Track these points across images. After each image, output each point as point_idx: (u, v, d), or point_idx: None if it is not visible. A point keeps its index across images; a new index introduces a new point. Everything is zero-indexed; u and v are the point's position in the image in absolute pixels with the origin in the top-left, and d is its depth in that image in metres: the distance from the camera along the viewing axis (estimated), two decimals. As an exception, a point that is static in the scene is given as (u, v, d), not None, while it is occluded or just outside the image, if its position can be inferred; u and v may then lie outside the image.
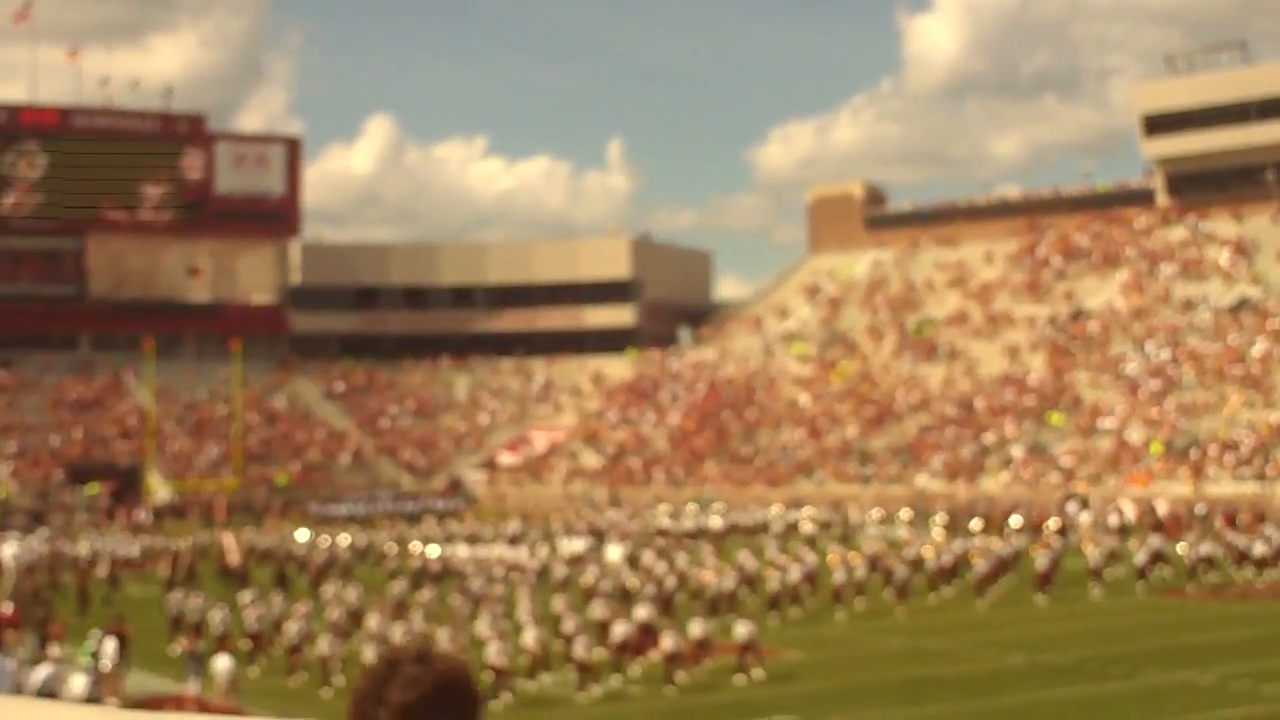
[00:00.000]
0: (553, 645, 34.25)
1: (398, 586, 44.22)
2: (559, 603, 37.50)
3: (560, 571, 49.56)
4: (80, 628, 36.89)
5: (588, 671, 32.16)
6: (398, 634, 34.06)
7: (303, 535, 66.15)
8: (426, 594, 41.71)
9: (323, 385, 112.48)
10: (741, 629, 33.19)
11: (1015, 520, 64.99)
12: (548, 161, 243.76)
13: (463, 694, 4.00)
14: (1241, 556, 51.17)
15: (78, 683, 25.76)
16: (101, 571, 54.32)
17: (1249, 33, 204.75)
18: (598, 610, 37.59)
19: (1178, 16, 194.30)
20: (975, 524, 64.97)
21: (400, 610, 39.59)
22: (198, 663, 32.44)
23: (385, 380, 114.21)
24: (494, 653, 31.63)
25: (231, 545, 60.33)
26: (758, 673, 32.91)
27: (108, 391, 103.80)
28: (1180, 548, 50.17)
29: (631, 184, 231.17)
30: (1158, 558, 49.60)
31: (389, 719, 3.90)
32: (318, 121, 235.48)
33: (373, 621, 36.22)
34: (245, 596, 40.15)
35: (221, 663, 31.66)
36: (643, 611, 36.22)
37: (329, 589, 43.59)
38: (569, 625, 34.76)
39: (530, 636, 33.39)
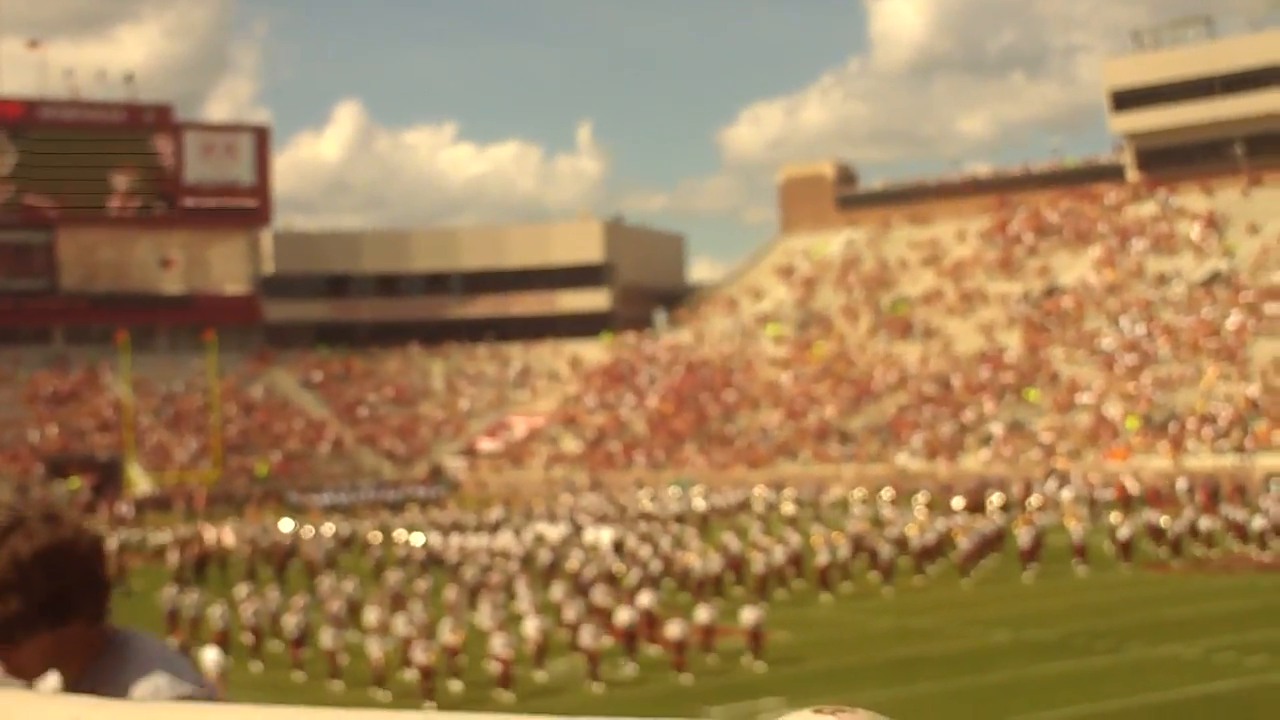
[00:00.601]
0: (555, 634, 34.29)
1: (394, 577, 44.00)
2: (557, 591, 37.64)
3: (545, 557, 49.64)
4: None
5: (596, 660, 32.04)
6: (400, 626, 33.82)
7: (286, 525, 66.14)
8: (423, 584, 41.49)
9: (299, 374, 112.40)
10: (748, 614, 33.22)
11: (997, 498, 65.30)
12: (518, 146, 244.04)
13: (81, 557, 4.02)
14: (1239, 529, 51.55)
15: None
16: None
17: (1214, 7, 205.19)
18: (598, 597, 37.69)
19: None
20: (957, 502, 65.25)
21: (398, 601, 39.36)
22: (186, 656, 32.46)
23: (362, 368, 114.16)
24: (500, 645, 31.56)
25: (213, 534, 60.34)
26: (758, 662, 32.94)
27: (84, 385, 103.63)
28: (1163, 521, 50.40)
29: (602, 167, 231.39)
30: (1157, 531, 49.96)
31: (3, 566, 3.94)
32: (286, 110, 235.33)
33: (372, 614, 36.06)
34: (241, 590, 40.03)
35: (210, 655, 31.71)
36: (646, 598, 36.26)
37: (325, 581, 43.32)
38: (570, 614, 34.78)
39: (532, 626, 33.25)
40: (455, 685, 31.90)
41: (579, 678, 32.00)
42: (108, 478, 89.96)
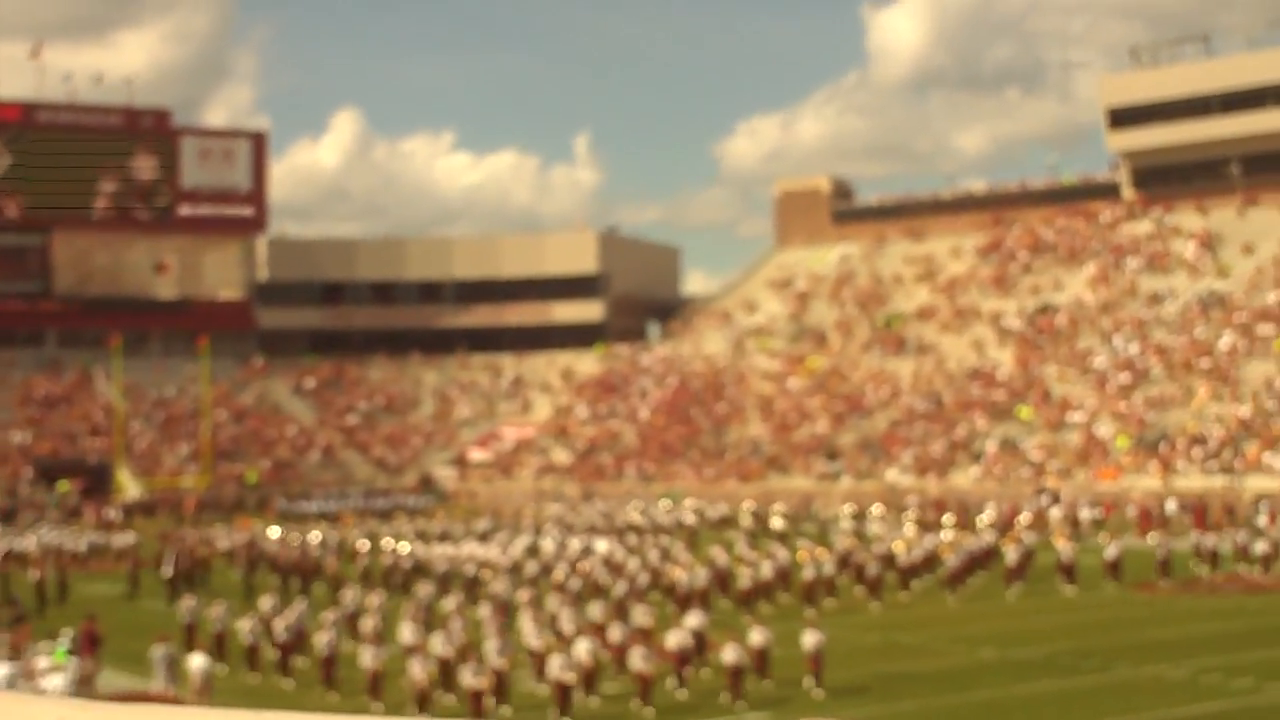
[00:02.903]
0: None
1: (424, 590, 42.39)
2: (595, 610, 36.88)
3: (532, 569, 49.46)
4: (40, 627, 36.69)
5: (647, 683, 30.67)
6: (438, 646, 32.26)
7: (274, 532, 65.97)
8: (452, 601, 39.38)
9: (291, 381, 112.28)
10: (809, 638, 32.51)
11: (986, 515, 65.21)
12: (515, 156, 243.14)
13: None
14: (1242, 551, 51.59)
15: (52, 682, 25.70)
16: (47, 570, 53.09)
17: (1212, 26, 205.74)
18: (596, 612, 37.09)
19: (1141, 10, 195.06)
20: (947, 519, 65.18)
21: (421, 614, 37.55)
22: (171, 663, 32.22)
23: (354, 376, 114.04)
24: (558, 666, 30.08)
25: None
26: (818, 690, 31.73)
27: (76, 389, 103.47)
28: (1150, 539, 50.36)
29: (599, 178, 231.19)
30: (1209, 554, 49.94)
31: None
32: (284, 116, 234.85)
33: (407, 631, 34.07)
34: (265, 603, 38.87)
35: (196, 661, 31.52)
36: (694, 619, 35.22)
37: (348, 594, 41.60)
38: (616, 635, 33.72)
39: (583, 648, 31.57)
40: (505, 711, 30.61)
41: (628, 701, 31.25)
42: (97, 482, 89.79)
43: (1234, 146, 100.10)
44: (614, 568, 48.30)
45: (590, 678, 31.47)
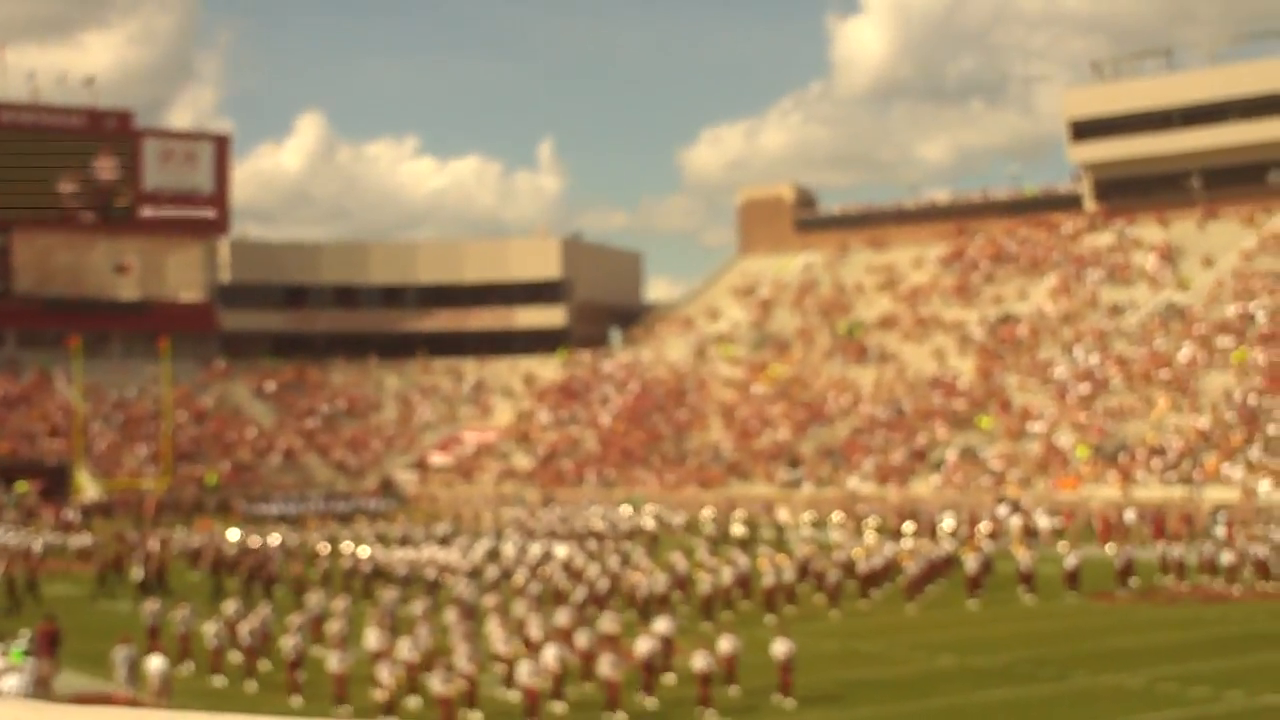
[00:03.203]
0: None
1: (388, 595, 41.97)
2: (561, 616, 36.80)
3: (492, 573, 49.43)
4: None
5: (616, 690, 30.56)
6: (404, 651, 32.22)
7: (233, 535, 65.74)
8: (419, 606, 39.33)
9: (253, 384, 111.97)
10: (780, 646, 31.94)
11: (947, 523, 65.39)
12: (479, 161, 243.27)
13: None
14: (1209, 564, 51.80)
15: (8, 683, 25.58)
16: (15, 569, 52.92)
17: (1174, 41, 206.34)
18: (561, 618, 36.98)
19: (1103, 24, 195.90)
20: (907, 527, 65.33)
21: (387, 619, 37.78)
22: (132, 664, 32.10)
23: (316, 379, 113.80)
24: (527, 673, 30.02)
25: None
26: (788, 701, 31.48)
27: (35, 389, 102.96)
28: (1109, 549, 50.57)
29: (562, 184, 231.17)
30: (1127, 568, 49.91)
31: None
32: (248, 119, 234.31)
33: (373, 637, 34.09)
34: (228, 607, 38.56)
35: (154, 663, 31.43)
36: (662, 625, 35.14)
37: (313, 598, 41.50)
38: (583, 640, 33.60)
39: (551, 655, 31.44)
40: (475, 716, 30.48)
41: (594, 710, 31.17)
42: (56, 483, 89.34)
43: (1195, 160, 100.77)
44: (574, 573, 48.29)
45: (557, 683, 31.31)
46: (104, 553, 58.97)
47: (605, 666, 30.84)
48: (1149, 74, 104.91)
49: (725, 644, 32.63)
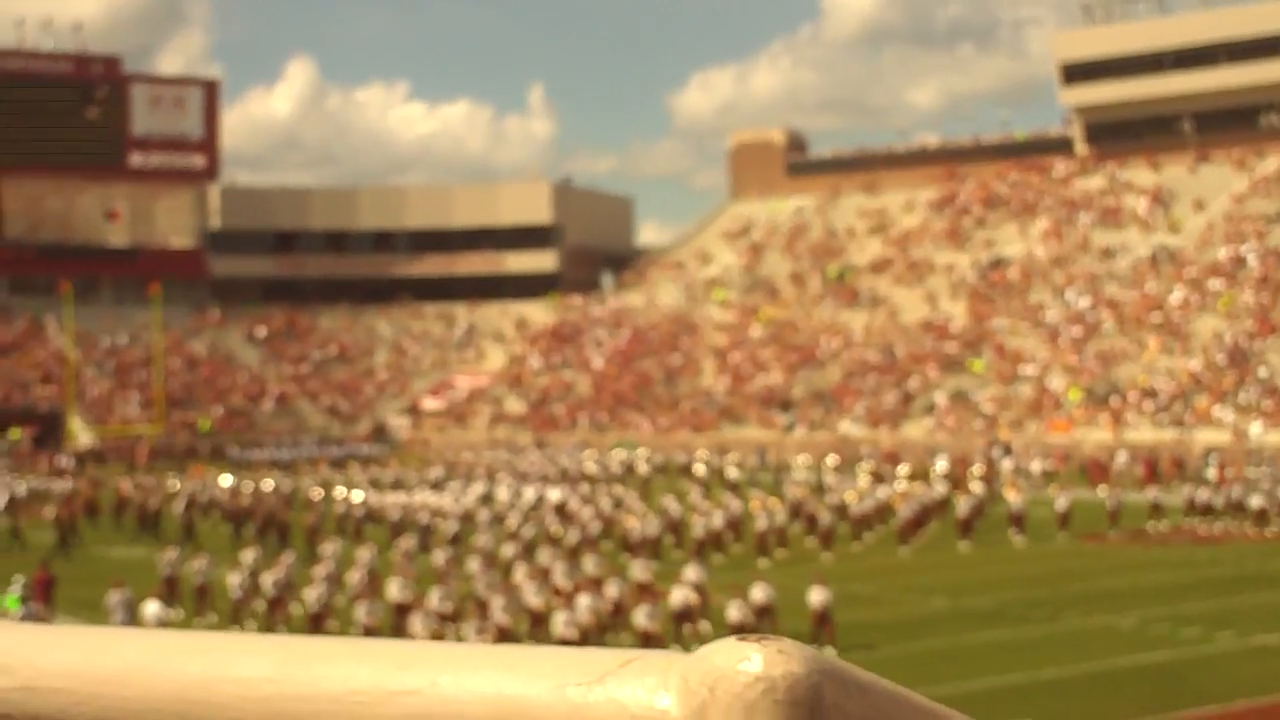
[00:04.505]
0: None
1: (405, 544, 40.65)
2: (590, 564, 35.96)
3: (484, 516, 49.39)
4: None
5: (652, 643, 29.00)
6: (434, 601, 30.98)
7: (225, 480, 65.77)
8: (442, 555, 37.99)
9: (244, 330, 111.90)
10: (816, 595, 31.51)
11: (941, 466, 65.50)
12: (469, 106, 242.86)
13: None
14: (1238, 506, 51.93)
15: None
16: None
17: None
18: (543, 558, 36.70)
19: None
20: (902, 469, 65.40)
21: (411, 569, 35.47)
22: (129, 610, 32.01)
23: (307, 325, 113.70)
24: (562, 624, 29.25)
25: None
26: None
27: (27, 336, 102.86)
28: (1100, 491, 50.70)
29: (552, 129, 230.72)
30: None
31: None
32: (237, 65, 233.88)
33: (395, 588, 32.50)
34: (247, 556, 37.35)
35: (150, 609, 31.36)
36: (693, 573, 33.44)
37: (328, 547, 39.46)
38: (614, 590, 32.27)
39: (584, 605, 30.42)
40: None
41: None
42: (49, 430, 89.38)
43: (1186, 103, 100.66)
44: (566, 516, 48.37)
45: (586, 636, 29.98)
46: (75, 499, 58.36)
47: (641, 617, 29.89)
48: (1140, 16, 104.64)
49: (759, 593, 31.60)
